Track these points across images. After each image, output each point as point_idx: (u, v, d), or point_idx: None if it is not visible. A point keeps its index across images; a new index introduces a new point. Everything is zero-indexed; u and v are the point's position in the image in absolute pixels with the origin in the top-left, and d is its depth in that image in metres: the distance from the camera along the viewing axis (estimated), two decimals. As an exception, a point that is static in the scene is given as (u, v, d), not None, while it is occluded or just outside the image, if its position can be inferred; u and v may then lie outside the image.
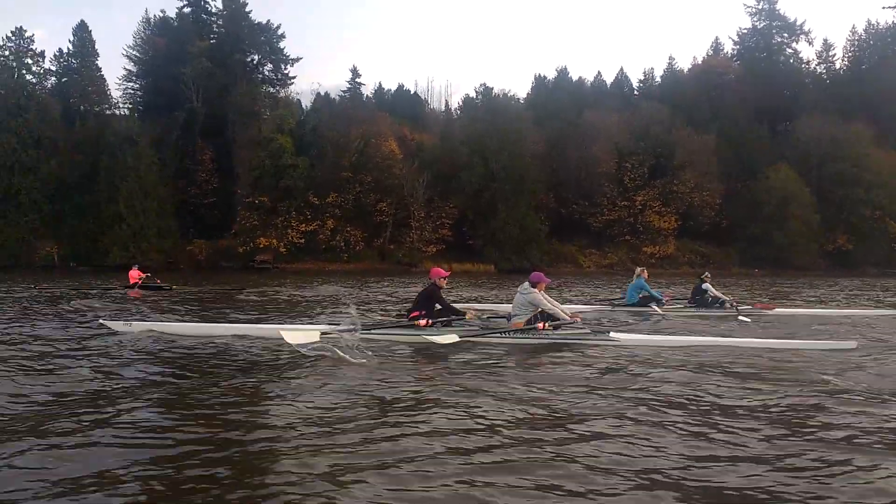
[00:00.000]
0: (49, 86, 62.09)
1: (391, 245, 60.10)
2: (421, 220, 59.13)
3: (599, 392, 5.69)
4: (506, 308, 11.07)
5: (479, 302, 16.24)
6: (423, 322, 8.72)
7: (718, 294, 14.24)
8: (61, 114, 59.07)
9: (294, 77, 69.35)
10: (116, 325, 9.40)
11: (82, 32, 66.39)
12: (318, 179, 58.19)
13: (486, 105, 63.43)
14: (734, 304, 13.90)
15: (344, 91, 74.09)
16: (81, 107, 64.10)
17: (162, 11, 76.61)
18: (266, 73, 66.26)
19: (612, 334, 8.84)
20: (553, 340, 8.67)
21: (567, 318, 8.98)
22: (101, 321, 9.84)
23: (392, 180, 59.87)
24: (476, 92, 67.48)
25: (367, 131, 60.88)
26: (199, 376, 6.30)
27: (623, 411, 4.97)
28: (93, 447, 4.01)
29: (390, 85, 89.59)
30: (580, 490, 3.39)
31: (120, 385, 5.85)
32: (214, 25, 70.88)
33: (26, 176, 53.99)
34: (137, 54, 73.05)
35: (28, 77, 58.77)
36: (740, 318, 12.56)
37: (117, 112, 66.05)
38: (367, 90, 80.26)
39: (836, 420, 4.81)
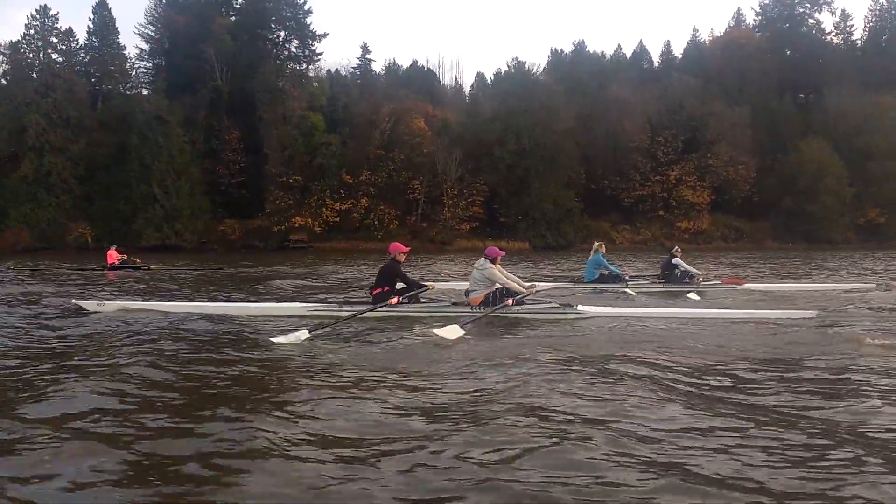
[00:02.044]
0: (76, 65, 60.94)
1: (423, 223, 59.70)
2: (454, 198, 58.68)
3: (570, 365, 5.61)
4: (462, 285, 10.92)
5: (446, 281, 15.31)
6: (394, 300, 8.56)
7: (689, 268, 13.88)
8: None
9: (321, 53, 68.43)
10: (89, 305, 9.27)
11: (102, 10, 65.19)
12: (349, 157, 57.62)
13: (517, 79, 62.68)
14: (699, 279, 13.62)
15: (355, 68, 73.45)
16: (104, 86, 63.26)
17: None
18: (293, 49, 65.16)
19: (579, 307, 8.91)
20: (520, 315, 8.67)
21: (523, 290, 9.00)
22: (73, 301, 9.79)
23: (422, 158, 59.38)
24: (508, 66, 66.76)
25: (397, 108, 60.21)
26: (169, 355, 6.11)
27: (591, 383, 4.91)
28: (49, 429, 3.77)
29: (403, 62, 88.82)
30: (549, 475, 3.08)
31: (88, 364, 5.68)
32: (235, 2, 69.80)
33: (56, 156, 53.28)
34: (151, 33, 71.79)
35: (55, 56, 57.72)
36: (688, 294, 12.08)
37: (136, 92, 65.28)
38: (378, 67, 79.50)
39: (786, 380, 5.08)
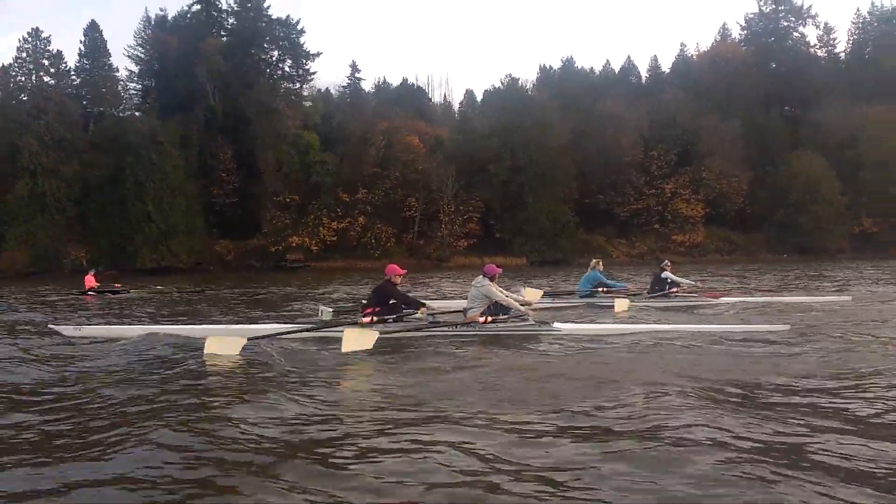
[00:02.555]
0: (67, 87, 60.63)
1: (420, 241, 59.63)
2: (451, 215, 58.69)
3: (537, 381, 5.80)
4: (459, 304, 11.05)
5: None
6: (366, 319, 8.70)
7: (678, 279, 13.73)
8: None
9: (314, 73, 68.47)
10: (66, 330, 9.11)
11: (93, 32, 64.94)
12: (344, 176, 57.57)
13: (511, 95, 63.01)
14: (682, 287, 13.61)
15: (344, 87, 73.54)
16: (95, 108, 62.94)
17: (161, 10, 75.46)
18: (286, 69, 65.17)
19: (555, 324, 8.96)
20: (497, 332, 8.72)
21: (520, 309, 9.04)
22: (49, 326, 9.67)
23: (416, 175, 59.40)
24: (501, 82, 67.10)
25: (391, 125, 60.30)
26: (139, 378, 6.19)
27: (550, 402, 5.00)
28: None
29: (391, 80, 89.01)
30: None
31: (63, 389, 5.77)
32: (226, 23, 69.75)
33: (49, 178, 52.82)
34: (140, 55, 71.47)
35: (46, 79, 57.41)
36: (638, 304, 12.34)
37: (129, 113, 64.92)
38: (367, 85, 79.58)
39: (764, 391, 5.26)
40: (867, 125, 62.60)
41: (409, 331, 8.63)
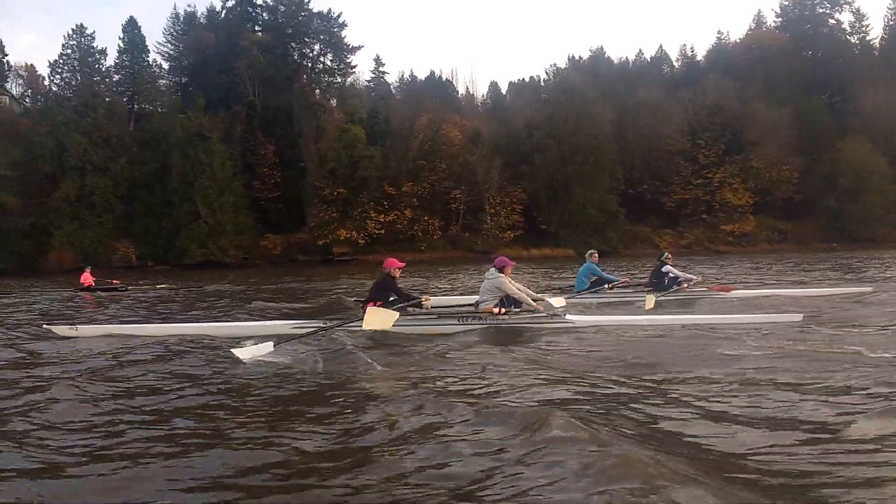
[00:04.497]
0: (112, 84, 60.64)
1: (465, 233, 59.24)
2: (496, 206, 58.27)
3: (553, 375, 5.50)
4: (460, 299, 10.90)
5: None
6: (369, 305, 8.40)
7: (680, 274, 12.97)
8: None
9: (355, 66, 68.37)
10: (61, 330, 8.78)
11: (132, 29, 65.03)
12: (390, 169, 57.26)
13: (556, 85, 62.54)
14: (687, 284, 12.80)
15: (368, 80, 73.36)
16: (136, 105, 62.93)
17: (190, 6, 75.18)
18: (327, 62, 64.91)
19: (567, 316, 8.74)
20: (510, 325, 8.50)
21: (532, 303, 8.77)
22: (45, 326, 9.30)
23: (458, 168, 59.08)
24: (546, 72, 66.69)
25: (434, 118, 59.93)
26: (143, 378, 5.81)
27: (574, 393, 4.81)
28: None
29: (418, 73, 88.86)
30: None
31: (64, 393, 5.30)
32: (261, 17, 69.53)
33: (98, 176, 52.86)
34: (169, 51, 71.39)
35: (92, 76, 57.38)
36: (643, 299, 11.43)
37: (164, 112, 64.71)
38: (390, 79, 79.29)
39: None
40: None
41: (422, 322, 8.47)
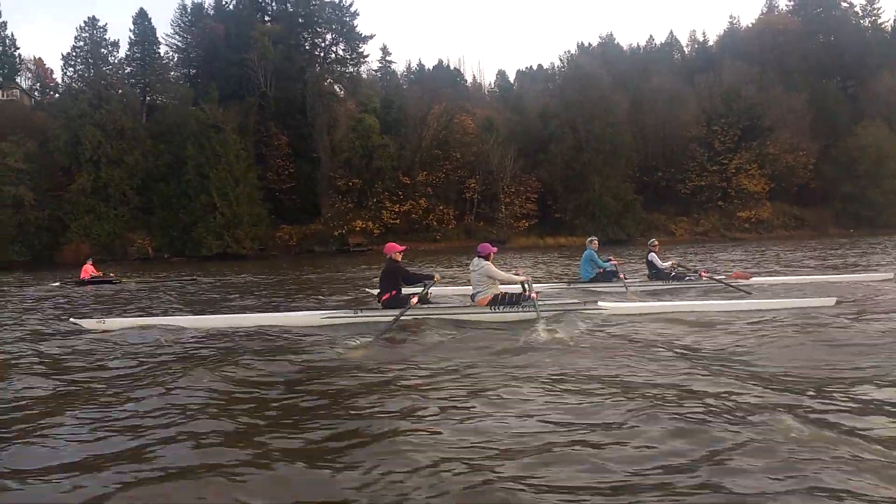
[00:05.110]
0: (125, 77, 60.37)
1: (480, 222, 59.04)
2: (511, 195, 58.04)
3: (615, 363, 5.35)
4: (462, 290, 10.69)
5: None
6: (414, 300, 8.09)
7: (661, 264, 12.69)
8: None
9: (367, 56, 67.97)
10: (88, 324, 8.64)
11: (143, 21, 64.76)
12: (404, 159, 57.02)
13: (571, 73, 62.12)
14: (677, 270, 12.67)
15: (375, 70, 73.00)
16: (148, 97, 62.75)
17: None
18: (340, 52, 64.50)
19: (600, 303, 8.75)
20: (548, 312, 8.31)
21: (517, 280, 8.73)
22: (71, 320, 9.13)
23: (471, 157, 58.83)
24: (560, 59, 66.23)
25: (448, 107, 59.64)
26: (181, 366, 5.65)
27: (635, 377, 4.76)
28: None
29: (425, 62, 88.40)
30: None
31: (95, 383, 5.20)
32: (270, 8, 69.17)
33: (113, 168, 52.70)
34: (178, 43, 71.11)
35: (105, 68, 57.09)
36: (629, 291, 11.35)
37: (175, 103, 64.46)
38: (398, 69, 78.89)
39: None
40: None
41: (425, 317, 8.20)
